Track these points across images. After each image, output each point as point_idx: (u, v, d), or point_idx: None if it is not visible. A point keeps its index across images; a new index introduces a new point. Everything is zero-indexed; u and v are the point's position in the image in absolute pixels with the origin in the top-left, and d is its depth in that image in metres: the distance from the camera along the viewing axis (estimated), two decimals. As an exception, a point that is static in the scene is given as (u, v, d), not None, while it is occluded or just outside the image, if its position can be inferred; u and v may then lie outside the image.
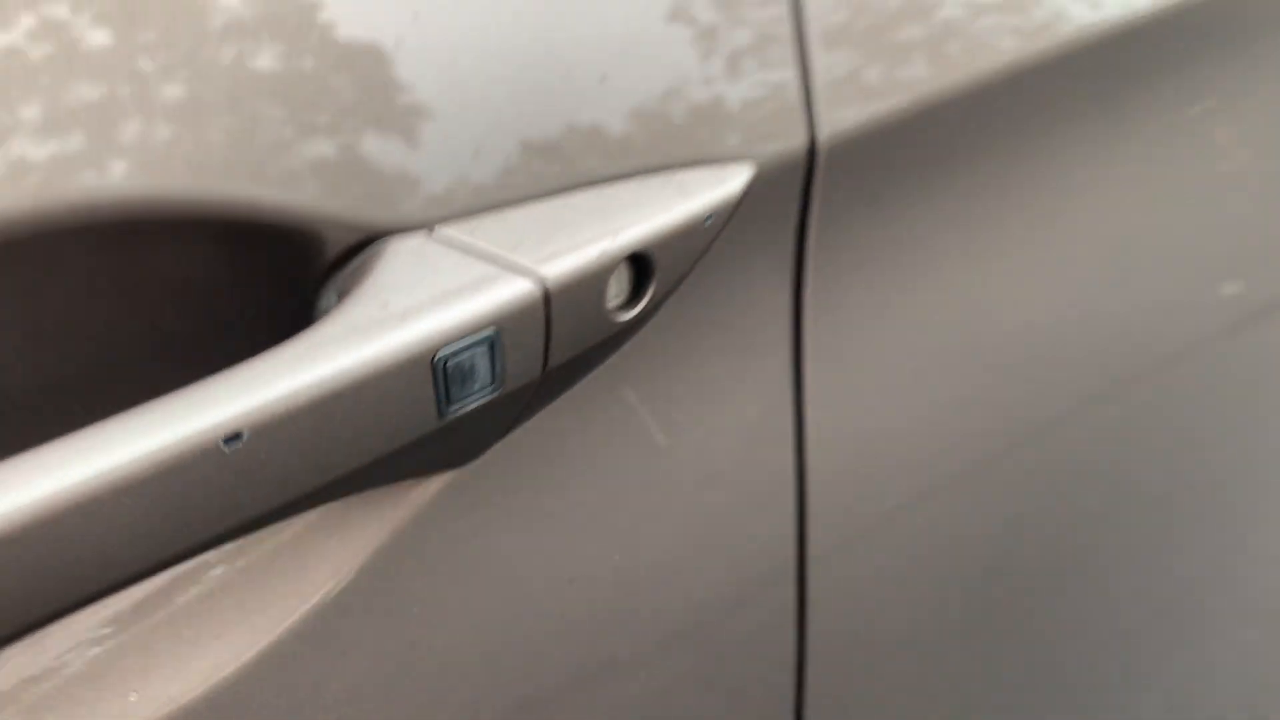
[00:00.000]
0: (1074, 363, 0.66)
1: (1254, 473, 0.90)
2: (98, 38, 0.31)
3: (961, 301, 0.55)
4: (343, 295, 0.35)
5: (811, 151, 0.43)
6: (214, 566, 0.37)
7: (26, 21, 0.31)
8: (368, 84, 0.35)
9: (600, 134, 0.39)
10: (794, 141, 0.42)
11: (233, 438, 0.31)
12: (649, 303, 0.39)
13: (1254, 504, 0.93)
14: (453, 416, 0.36)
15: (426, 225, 0.36)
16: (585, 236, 0.37)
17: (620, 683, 0.49)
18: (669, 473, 0.45)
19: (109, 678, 0.35)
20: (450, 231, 0.36)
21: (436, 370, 0.34)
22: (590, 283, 0.37)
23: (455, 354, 0.35)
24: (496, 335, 0.35)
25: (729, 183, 0.41)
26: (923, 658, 0.70)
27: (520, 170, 0.37)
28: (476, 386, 0.36)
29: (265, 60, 0.33)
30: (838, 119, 0.44)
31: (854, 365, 0.50)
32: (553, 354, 0.37)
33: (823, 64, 0.43)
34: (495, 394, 0.36)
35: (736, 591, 0.51)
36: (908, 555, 0.62)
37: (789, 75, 0.42)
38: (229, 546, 0.37)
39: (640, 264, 0.39)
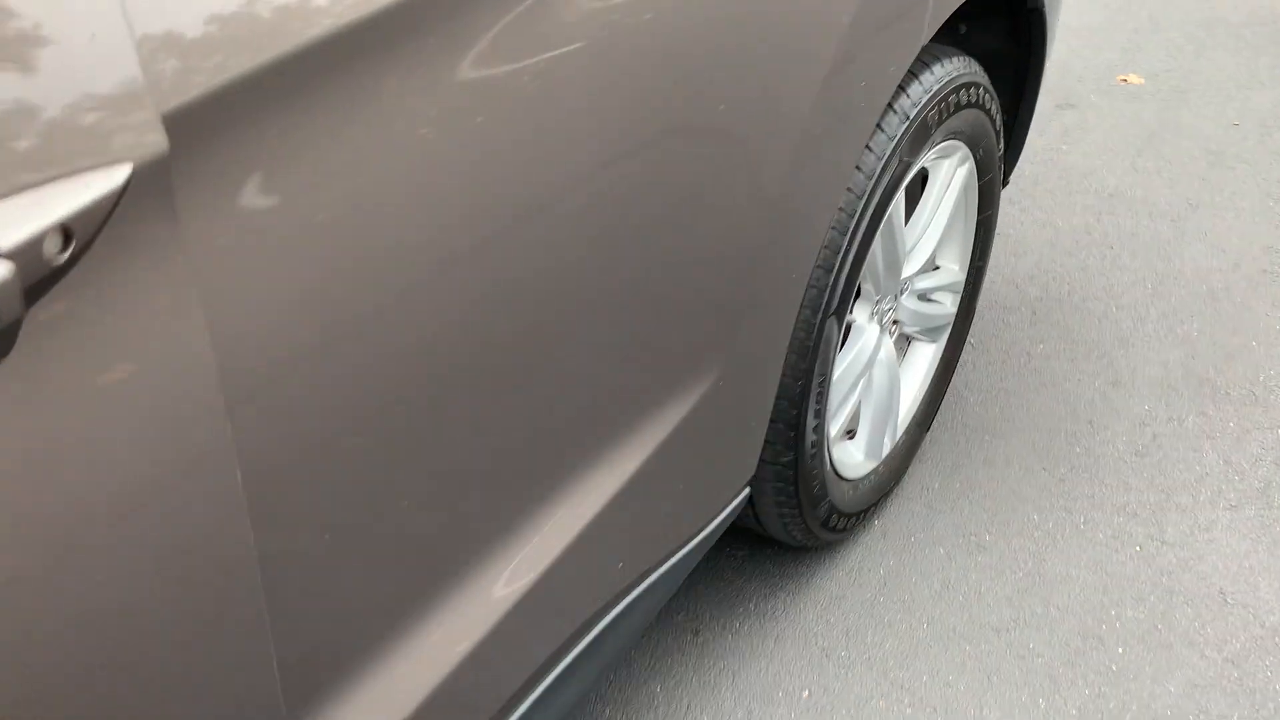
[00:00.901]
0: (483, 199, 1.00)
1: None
2: None
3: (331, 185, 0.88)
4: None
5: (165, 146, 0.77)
6: None
7: None
8: None
9: (36, 149, 0.71)
10: (150, 137, 0.76)
11: None
12: (74, 251, 0.73)
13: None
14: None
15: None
16: (30, 219, 0.70)
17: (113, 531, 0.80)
18: (120, 352, 0.78)
19: None
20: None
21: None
22: (34, 244, 0.70)
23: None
24: (-13, 282, 0.68)
25: (116, 176, 0.74)
26: (358, 456, 0.99)
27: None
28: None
29: None
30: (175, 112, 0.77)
31: (241, 249, 0.83)
32: (25, 284, 0.70)
33: (157, 75, 0.76)
34: (-4, 314, 0.69)
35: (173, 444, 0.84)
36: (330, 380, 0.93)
37: (144, 96, 0.76)
38: None
39: (67, 230, 0.72)
